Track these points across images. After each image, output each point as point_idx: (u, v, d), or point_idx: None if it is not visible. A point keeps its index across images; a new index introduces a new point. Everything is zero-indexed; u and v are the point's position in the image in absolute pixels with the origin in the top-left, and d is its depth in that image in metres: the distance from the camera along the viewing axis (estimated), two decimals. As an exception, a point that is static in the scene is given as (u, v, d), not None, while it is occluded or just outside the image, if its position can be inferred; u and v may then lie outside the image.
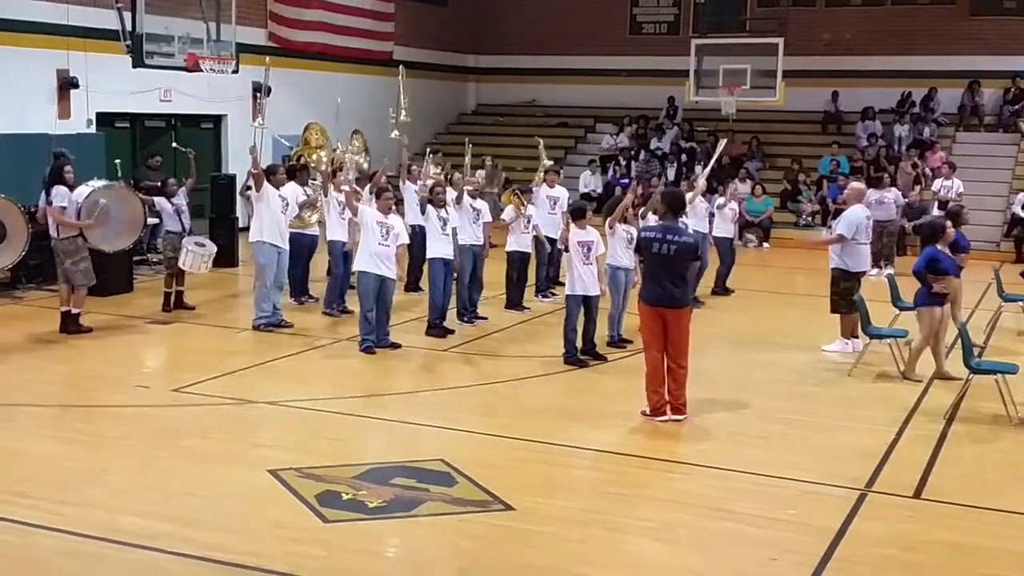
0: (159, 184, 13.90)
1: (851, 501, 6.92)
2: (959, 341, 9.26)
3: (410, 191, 13.36)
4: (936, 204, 18.16)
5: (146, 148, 17.89)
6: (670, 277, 8.43)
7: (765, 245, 20.44)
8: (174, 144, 13.81)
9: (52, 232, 11.22)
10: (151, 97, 17.33)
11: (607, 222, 10.90)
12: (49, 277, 13.45)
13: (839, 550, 6.17)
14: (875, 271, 15.51)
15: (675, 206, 8.76)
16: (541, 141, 14.99)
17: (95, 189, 11.70)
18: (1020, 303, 12.43)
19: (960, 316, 10.70)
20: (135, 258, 14.39)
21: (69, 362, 10.36)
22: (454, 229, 11.73)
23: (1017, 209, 19.54)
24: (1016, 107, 22.41)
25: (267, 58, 13.92)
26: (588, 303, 10.29)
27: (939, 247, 9.98)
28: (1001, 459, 8.06)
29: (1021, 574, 6.02)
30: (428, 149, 14.21)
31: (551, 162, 14.87)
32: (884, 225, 17.22)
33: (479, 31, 26.84)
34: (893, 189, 18.08)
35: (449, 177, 13.52)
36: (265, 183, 11.46)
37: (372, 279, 10.52)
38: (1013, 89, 22.67)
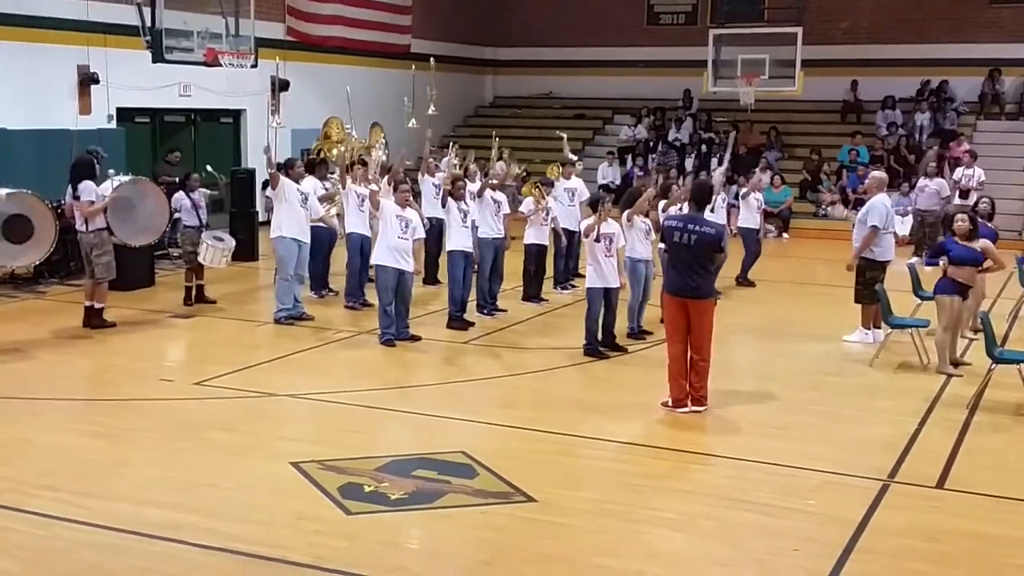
0: (178, 179, 13.98)
1: (873, 492, 6.90)
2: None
3: (428, 184, 13.37)
4: (957, 193, 18.02)
5: (166, 143, 17.99)
6: (692, 268, 8.42)
7: (785, 236, 20.37)
8: (208, 167, 13.91)
9: (79, 226, 11.24)
10: (171, 92, 17.41)
11: (625, 214, 10.89)
12: (72, 272, 13.56)
13: (861, 541, 6.15)
14: (915, 259, 15.44)
15: (699, 197, 8.75)
16: (565, 136, 14.98)
17: (121, 184, 11.77)
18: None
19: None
20: (156, 252, 14.46)
21: (92, 356, 10.43)
22: (473, 221, 11.73)
23: None
24: (1038, 95, 22.24)
25: (277, 55, 13.98)
26: (609, 295, 10.30)
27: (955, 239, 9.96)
28: (1024, 449, 8.02)
29: (1044, 564, 6.00)
30: (452, 143, 14.26)
31: (574, 157, 14.87)
32: (923, 214, 17.07)
33: (496, 23, 26.81)
34: (937, 179, 17.89)
35: (466, 169, 13.52)
36: (282, 179, 11.51)
37: (391, 273, 10.55)
38: (1035, 77, 22.51)
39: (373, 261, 10.80)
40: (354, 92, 14.21)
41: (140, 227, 11.91)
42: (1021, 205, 19.96)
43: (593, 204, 10.66)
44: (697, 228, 8.43)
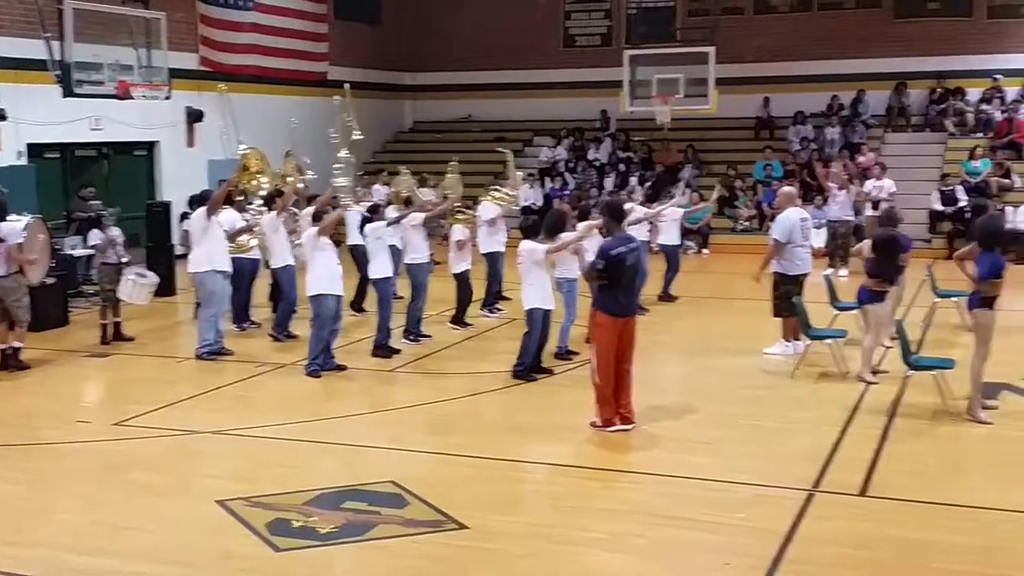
0: (93, 215, 13.70)
1: (799, 502, 7.01)
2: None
3: (353, 213, 13.29)
4: (869, 205, 18.47)
5: (78, 178, 17.62)
6: (639, 286, 8.59)
7: (705, 251, 20.67)
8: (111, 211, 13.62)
9: None
10: (82, 126, 17.07)
11: (563, 241, 10.63)
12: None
13: (790, 551, 6.25)
14: (830, 270, 15.73)
15: (617, 215, 8.86)
16: (509, 152, 14.92)
17: (28, 223, 11.48)
18: (954, 299, 12.68)
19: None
20: (70, 291, 14.11)
21: (7, 399, 10.12)
22: (393, 247, 11.71)
23: (935, 203, 20.02)
24: (942, 106, 22.92)
25: (222, 85, 13.85)
26: (547, 317, 10.33)
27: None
28: (942, 453, 8.23)
29: (968, 566, 6.14)
30: (403, 171, 14.23)
31: (521, 174, 14.74)
32: (835, 225, 17.44)
33: (414, 49, 26.83)
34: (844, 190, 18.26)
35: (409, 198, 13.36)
36: (221, 210, 11.44)
37: (333, 300, 10.55)
38: (939, 89, 23.19)
39: (315, 291, 10.48)
40: (270, 121, 14.12)
41: (40, 264, 11.63)
42: (928, 215, 20.52)
43: (524, 229, 10.60)
44: (635, 245, 8.62)
